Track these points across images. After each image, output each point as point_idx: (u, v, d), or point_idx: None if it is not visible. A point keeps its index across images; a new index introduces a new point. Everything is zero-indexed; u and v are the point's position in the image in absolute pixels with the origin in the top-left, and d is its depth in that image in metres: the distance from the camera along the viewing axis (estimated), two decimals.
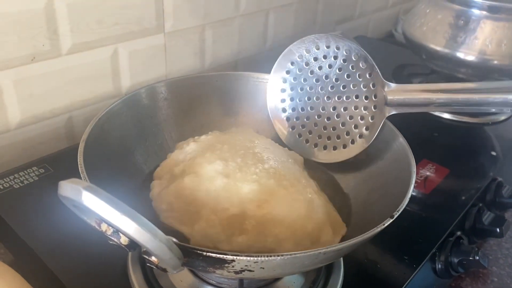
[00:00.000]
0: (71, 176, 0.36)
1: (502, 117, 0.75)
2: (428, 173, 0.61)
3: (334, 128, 0.48)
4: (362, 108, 0.47)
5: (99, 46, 0.62)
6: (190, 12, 0.70)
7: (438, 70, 0.74)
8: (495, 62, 0.66)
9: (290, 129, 0.51)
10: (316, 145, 0.49)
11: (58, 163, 0.55)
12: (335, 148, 0.48)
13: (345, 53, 0.46)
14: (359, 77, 0.46)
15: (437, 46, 0.69)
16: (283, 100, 0.51)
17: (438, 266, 0.51)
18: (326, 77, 0.48)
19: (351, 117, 0.47)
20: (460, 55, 0.67)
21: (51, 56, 0.57)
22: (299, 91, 0.49)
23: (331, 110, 0.48)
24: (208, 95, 0.51)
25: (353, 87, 0.47)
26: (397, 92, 0.45)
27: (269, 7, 0.82)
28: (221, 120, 0.52)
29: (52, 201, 0.47)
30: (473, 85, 0.43)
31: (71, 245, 0.45)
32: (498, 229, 0.56)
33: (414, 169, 0.40)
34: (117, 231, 0.29)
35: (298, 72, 0.49)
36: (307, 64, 0.48)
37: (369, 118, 0.46)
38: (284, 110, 0.51)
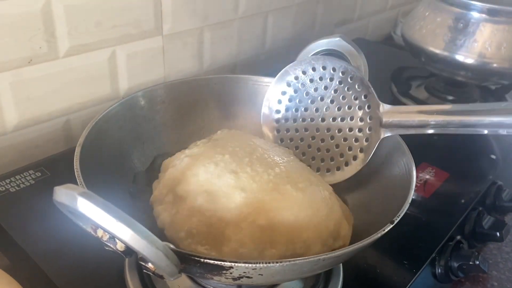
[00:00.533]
0: (68, 180, 0.36)
1: None
2: (427, 177, 0.61)
3: (328, 150, 0.48)
4: (357, 130, 0.46)
5: (97, 49, 0.61)
6: (188, 14, 0.70)
7: (437, 73, 0.74)
8: (495, 65, 0.65)
9: None
10: (309, 167, 0.48)
11: (55, 166, 0.54)
12: (328, 171, 0.48)
13: (341, 75, 0.46)
14: (354, 98, 0.46)
15: (436, 49, 0.68)
16: (277, 121, 0.50)
17: (438, 270, 0.51)
18: (321, 98, 0.48)
19: (345, 139, 0.47)
20: (460, 58, 0.67)
21: (48, 59, 0.57)
22: (294, 112, 0.49)
23: (325, 131, 0.48)
24: (206, 98, 0.50)
25: (348, 108, 0.47)
26: (392, 114, 0.44)
27: (268, 9, 0.82)
28: (220, 123, 0.51)
29: (49, 205, 0.46)
30: (468, 106, 0.43)
31: (67, 249, 0.45)
32: (498, 233, 0.55)
33: (414, 173, 0.40)
34: (113, 237, 0.28)
35: (293, 93, 0.49)
36: (303, 85, 0.48)
37: (364, 140, 0.46)
38: (278, 131, 0.50)
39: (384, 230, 0.33)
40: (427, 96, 0.79)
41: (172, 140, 0.48)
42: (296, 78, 0.48)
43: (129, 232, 0.24)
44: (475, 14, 0.66)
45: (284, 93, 0.49)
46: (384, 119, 0.44)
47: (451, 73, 0.70)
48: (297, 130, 0.49)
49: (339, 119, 0.47)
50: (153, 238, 0.25)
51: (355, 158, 0.47)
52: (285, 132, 0.50)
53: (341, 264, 0.45)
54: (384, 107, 0.45)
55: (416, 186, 0.57)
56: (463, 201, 0.58)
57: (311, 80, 0.48)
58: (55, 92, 0.59)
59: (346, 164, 0.47)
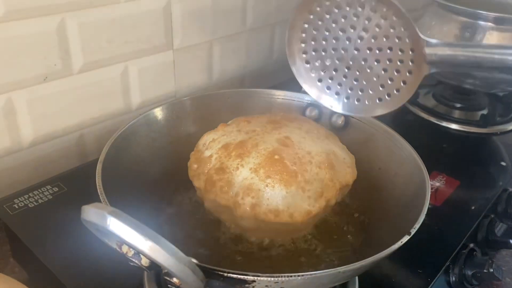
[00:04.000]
0: (85, 194, 0.37)
1: (510, 127, 0.75)
2: (438, 185, 0.61)
3: (367, 81, 0.45)
4: (398, 61, 0.43)
5: (110, 64, 0.62)
6: (198, 28, 0.71)
7: (445, 81, 0.75)
8: (503, 73, 0.66)
9: (318, 82, 0.48)
10: (347, 98, 0.47)
11: (71, 181, 0.55)
12: (369, 101, 0.46)
13: (373, 3, 0.42)
14: (391, 28, 0.42)
15: None
16: (305, 51, 0.47)
17: (452, 278, 0.51)
18: (353, 27, 0.44)
19: (385, 70, 0.44)
20: None
21: (63, 75, 0.58)
22: (323, 42, 0.46)
23: (362, 62, 0.45)
24: (221, 112, 0.51)
25: (385, 38, 0.43)
26: (436, 49, 0.41)
27: (276, 21, 0.83)
28: None
29: (67, 219, 0.48)
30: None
31: (86, 263, 0.45)
32: (511, 241, 0.56)
33: (428, 184, 0.40)
34: (138, 253, 0.29)
35: (319, 22, 0.45)
36: (328, 13, 0.44)
37: (406, 72, 0.43)
38: (307, 62, 0.47)
39: (401, 242, 0.34)
40: (435, 103, 0.79)
41: (188, 153, 0.49)
42: (320, 5, 0.44)
43: (158, 249, 0.25)
44: (481, 23, 0.66)
45: (307, 22, 0.45)
46: (428, 54, 0.41)
47: (459, 81, 0.71)
48: (328, 61, 0.47)
49: (375, 49, 0.44)
50: (180, 255, 0.26)
51: (398, 90, 0.44)
52: (315, 63, 0.47)
53: None
54: (427, 41, 0.41)
55: None
56: (474, 208, 0.58)
57: (338, 7, 0.43)
58: (69, 107, 0.61)
59: (389, 95, 0.45)
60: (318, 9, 0.45)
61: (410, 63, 0.43)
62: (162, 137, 0.48)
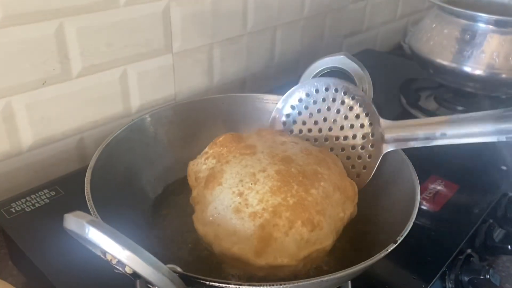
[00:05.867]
0: (81, 199, 0.37)
1: None
2: (437, 189, 0.61)
3: None
4: (359, 147, 0.48)
5: (109, 68, 0.63)
6: (198, 31, 0.71)
7: (446, 84, 0.74)
8: (503, 75, 0.65)
9: None
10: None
11: (68, 185, 0.56)
12: None
13: (343, 95, 0.48)
14: (356, 117, 0.47)
15: (444, 60, 0.68)
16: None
17: (449, 285, 0.51)
18: (325, 119, 0.49)
19: (348, 157, 0.48)
20: (468, 69, 0.67)
21: (61, 80, 0.59)
22: (299, 133, 0.50)
23: (329, 151, 0.49)
24: (214, 117, 0.52)
25: (350, 127, 0.48)
26: (393, 129, 0.46)
27: (276, 23, 0.83)
28: None
29: (62, 224, 0.49)
30: (467, 116, 0.44)
31: (81, 268, 0.45)
32: (510, 247, 0.55)
33: (418, 191, 0.40)
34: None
35: (297, 115, 0.50)
36: (306, 108, 0.50)
37: (367, 157, 0.47)
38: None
39: (387, 250, 0.33)
40: (436, 107, 0.79)
41: (180, 159, 0.49)
42: (300, 100, 0.50)
43: (135, 259, 0.25)
44: (482, 26, 0.66)
45: (288, 115, 0.51)
46: (386, 135, 0.46)
47: (460, 84, 0.70)
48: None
49: (342, 138, 0.48)
50: (159, 265, 0.26)
51: (358, 175, 0.47)
52: None
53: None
54: (385, 123, 0.46)
55: (425, 199, 0.57)
56: (473, 213, 0.58)
57: (315, 102, 0.49)
58: (68, 111, 0.61)
59: (353, 179, 0.47)
60: (298, 102, 0.50)
61: (371, 148, 0.47)
62: (154, 142, 0.48)
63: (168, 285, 0.26)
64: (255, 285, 0.29)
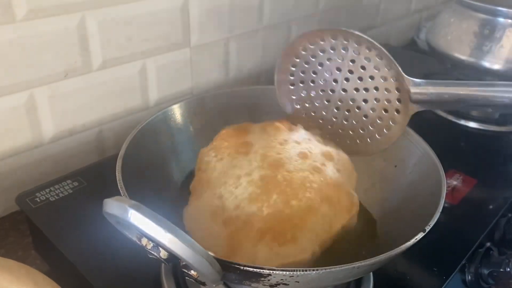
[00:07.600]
0: (104, 189, 0.37)
1: None
2: (455, 183, 0.61)
3: (356, 121, 0.46)
4: (385, 101, 0.44)
5: (128, 62, 0.63)
6: (215, 25, 0.72)
7: (464, 79, 0.74)
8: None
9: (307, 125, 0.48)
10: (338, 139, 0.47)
11: (90, 176, 0.57)
12: (361, 141, 0.46)
13: (355, 45, 0.43)
14: (375, 69, 0.43)
15: (463, 55, 0.68)
16: (294, 94, 0.48)
17: (468, 277, 0.51)
18: (338, 69, 0.45)
19: (373, 109, 0.44)
20: (486, 64, 0.67)
21: (82, 72, 0.59)
22: (311, 84, 0.46)
23: (350, 102, 0.46)
24: (237, 108, 0.52)
25: (370, 78, 0.43)
26: (420, 88, 0.42)
27: (292, 18, 0.83)
28: None
29: (87, 213, 0.49)
30: (501, 82, 0.41)
31: (105, 255, 0.46)
32: None
33: (444, 181, 0.40)
34: (157, 245, 0.30)
35: (305, 65, 0.46)
36: (313, 56, 0.45)
37: (394, 111, 0.44)
38: (297, 104, 0.48)
39: (416, 239, 0.34)
40: None
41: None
42: (304, 49, 0.45)
43: (177, 242, 0.25)
44: (501, 20, 0.66)
45: (294, 65, 0.46)
46: (413, 93, 0.42)
47: (478, 79, 0.70)
48: (318, 102, 0.47)
49: (362, 89, 0.44)
50: (199, 247, 0.26)
51: (387, 128, 0.44)
52: (305, 105, 0.48)
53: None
54: (411, 81, 0.42)
55: None
56: (492, 207, 0.58)
57: (322, 51, 0.44)
58: (89, 104, 0.62)
59: (379, 134, 0.45)
60: (303, 52, 0.46)
61: (397, 102, 0.44)
62: (179, 133, 0.49)
63: (207, 267, 0.27)
64: (288, 270, 0.29)
